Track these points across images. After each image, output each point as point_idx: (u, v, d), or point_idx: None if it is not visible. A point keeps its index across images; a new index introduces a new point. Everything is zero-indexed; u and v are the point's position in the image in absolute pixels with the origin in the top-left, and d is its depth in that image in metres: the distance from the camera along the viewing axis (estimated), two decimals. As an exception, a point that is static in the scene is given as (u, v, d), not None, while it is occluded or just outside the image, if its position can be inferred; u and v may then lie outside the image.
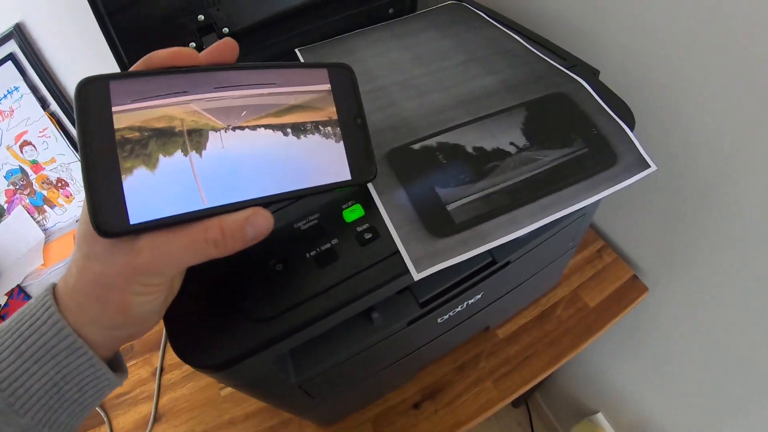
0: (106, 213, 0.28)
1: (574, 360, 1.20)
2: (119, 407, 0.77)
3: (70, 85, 0.99)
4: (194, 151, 0.31)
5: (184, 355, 0.37)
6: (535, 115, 0.47)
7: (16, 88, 0.95)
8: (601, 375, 1.13)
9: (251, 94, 0.34)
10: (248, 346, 0.37)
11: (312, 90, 0.36)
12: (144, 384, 0.79)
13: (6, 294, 1.00)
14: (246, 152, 0.33)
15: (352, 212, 0.41)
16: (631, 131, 0.47)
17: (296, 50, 0.61)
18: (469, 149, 0.44)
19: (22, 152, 1.01)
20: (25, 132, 0.99)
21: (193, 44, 0.66)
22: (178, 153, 0.30)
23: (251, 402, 0.73)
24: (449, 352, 0.75)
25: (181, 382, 0.78)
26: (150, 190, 0.29)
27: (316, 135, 0.36)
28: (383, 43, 0.59)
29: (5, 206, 1.06)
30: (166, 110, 0.31)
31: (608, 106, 0.48)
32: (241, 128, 0.33)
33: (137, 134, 0.29)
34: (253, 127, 0.33)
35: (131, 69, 0.31)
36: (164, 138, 0.30)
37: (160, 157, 0.30)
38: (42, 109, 0.98)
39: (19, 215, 1.07)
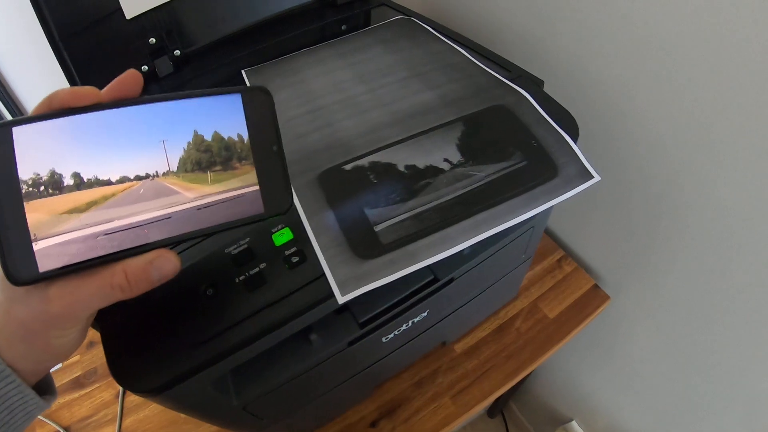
0: (16, 262, 0.29)
1: (548, 369, 1.21)
2: (83, 430, 0.77)
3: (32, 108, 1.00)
4: (96, 201, 0.31)
5: (122, 380, 0.38)
6: (472, 129, 0.47)
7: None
8: (573, 383, 1.14)
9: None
10: (182, 369, 0.38)
11: (223, 120, 0.35)
12: (107, 407, 0.79)
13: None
14: (149, 195, 0.32)
15: (281, 236, 0.41)
16: (575, 141, 0.47)
17: (242, 71, 0.61)
18: (401, 167, 0.44)
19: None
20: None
21: (146, 67, 0.66)
22: (81, 202, 0.31)
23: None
24: (407, 368, 0.75)
25: (144, 404, 0.78)
26: (56, 239, 0.30)
27: (226, 167, 0.35)
28: (328, 62, 0.59)
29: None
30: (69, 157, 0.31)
31: (551, 117, 0.48)
32: (148, 176, 0.32)
33: (42, 185, 0.30)
34: (157, 174, 0.33)
35: (33, 111, 0.31)
36: (67, 187, 0.30)
37: (64, 207, 0.30)
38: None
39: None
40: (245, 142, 0.35)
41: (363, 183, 0.43)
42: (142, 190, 0.32)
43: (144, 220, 0.32)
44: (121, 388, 0.80)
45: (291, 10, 0.75)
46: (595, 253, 0.84)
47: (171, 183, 0.33)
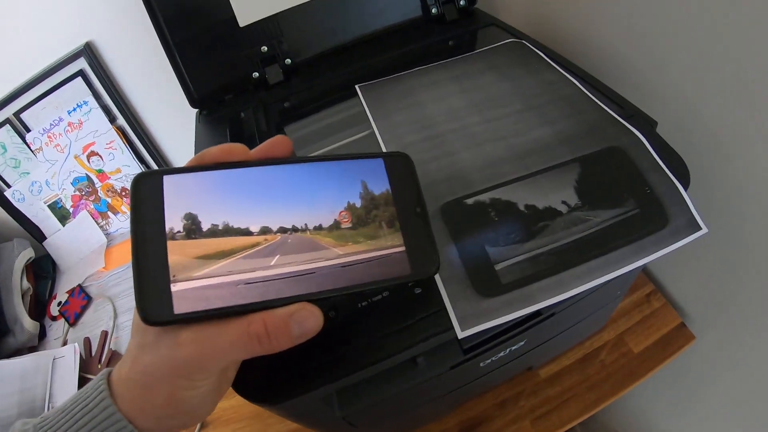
0: (152, 302, 0.28)
1: (620, 400, 1.18)
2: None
3: (137, 102, 1.05)
4: (239, 250, 0.31)
5: (243, 391, 0.39)
6: (588, 171, 0.47)
7: (85, 102, 1.00)
8: (645, 420, 1.10)
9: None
10: (298, 386, 0.39)
11: (368, 183, 0.36)
12: (195, 392, 0.82)
13: (67, 292, 1.05)
14: (294, 249, 0.33)
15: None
16: (686, 190, 0.46)
17: (356, 87, 0.62)
18: (521, 207, 0.45)
19: (89, 161, 1.07)
20: (93, 143, 1.05)
21: (256, 74, 0.69)
22: (223, 249, 0.31)
23: (294, 420, 0.75)
24: (492, 388, 0.76)
25: (231, 393, 0.80)
26: (195, 282, 0.30)
27: (372, 227, 0.35)
28: (441, 86, 0.60)
29: (71, 210, 1.12)
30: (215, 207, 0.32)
31: (664, 162, 0.47)
32: (294, 229, 0.33)
33: (186, 229, 0.30)
34: (304, 228, 0.33)
35: (186, 165, 0.33)
36: (211, 233, 0.31)
37: (206, 251, 0.31)
38: (109, 123, 1.03)
39: (83, 219, 1.13)
40: (390, 203, 0.36)
41: (484, 219, 0.44)
42: (289, 240, 0.33)
43: (287, 273, 0.32)
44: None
45: (399, 24, 0.76)
46: (685, 292, 0.82)
47: (316, 239, 0.33)
